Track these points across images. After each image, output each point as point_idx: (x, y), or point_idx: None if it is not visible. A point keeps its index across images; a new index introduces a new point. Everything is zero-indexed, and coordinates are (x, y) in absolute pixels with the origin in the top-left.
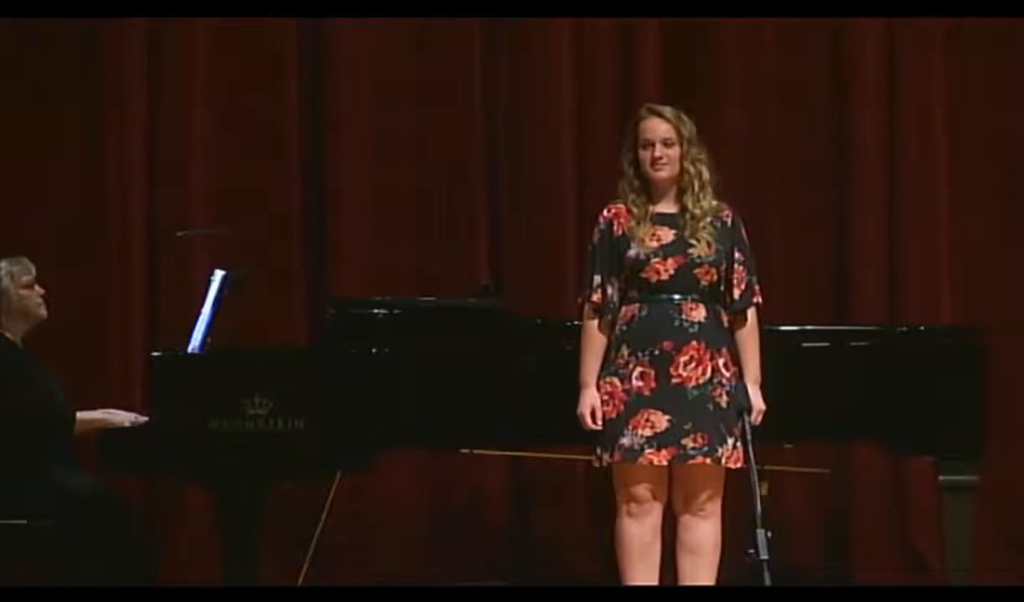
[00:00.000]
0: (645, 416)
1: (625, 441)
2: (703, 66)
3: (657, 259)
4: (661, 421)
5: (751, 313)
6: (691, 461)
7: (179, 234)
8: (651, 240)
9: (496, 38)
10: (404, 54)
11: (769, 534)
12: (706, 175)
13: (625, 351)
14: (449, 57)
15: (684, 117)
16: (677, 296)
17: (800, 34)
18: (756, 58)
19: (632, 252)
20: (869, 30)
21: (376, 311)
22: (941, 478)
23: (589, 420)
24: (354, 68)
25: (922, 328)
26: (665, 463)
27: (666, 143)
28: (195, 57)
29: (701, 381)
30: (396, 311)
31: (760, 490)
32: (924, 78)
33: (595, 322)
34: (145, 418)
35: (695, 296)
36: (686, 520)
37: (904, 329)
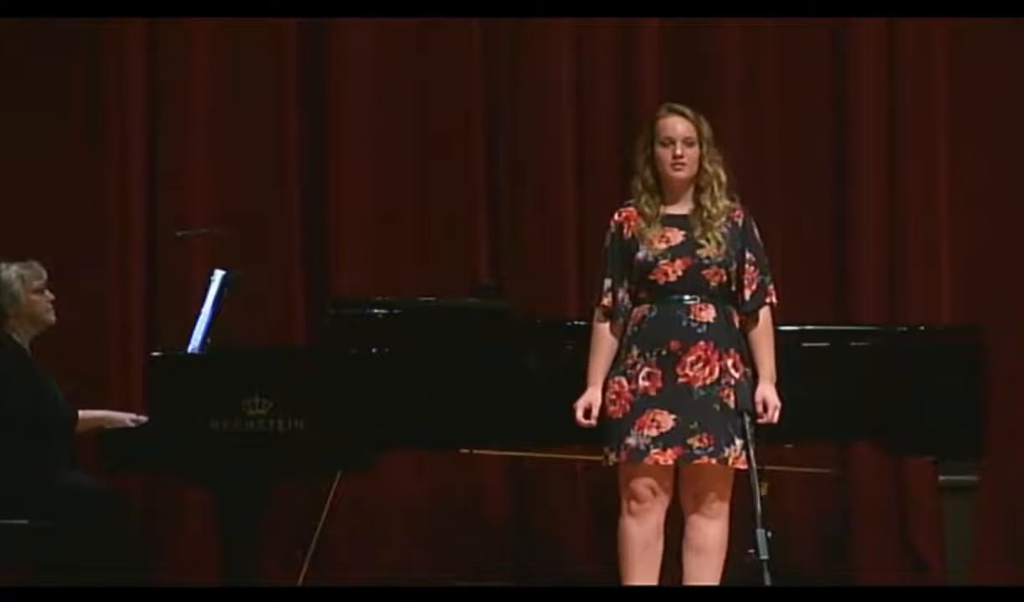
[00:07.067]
0: (651, 416)
1: (631, 441)
2: (703, 66)
3: (665, 261)
4: (667, 421)
5: (764, 313)
6: (696, 461)
7: (179, 234)
8: (660, 242)
9: (496, 38)
10: (404, 54)
11: (769, 534)
12: (723, 176)
13: (635, 351)
14: (449, 57)
15: (703, 118)
16: (686, 297)
17: (800, 34)
18: (756, 58)
19: (640, 254)
20: (869, 30)
21: (376, 311)
22: (941, 478)
23: (580, 414)
24: (354, 68)
25: (922, 328)
26: (671, 463)
27: (687, 142)
28: (195, 57)
29: (709, 381)
30: (396, 311)
31: (760, 490)
32: (924, 78)
33: (605, 325)
34: (145, 418)
35: (704, 297)
36: (694, 520)
37: (904, 329)
